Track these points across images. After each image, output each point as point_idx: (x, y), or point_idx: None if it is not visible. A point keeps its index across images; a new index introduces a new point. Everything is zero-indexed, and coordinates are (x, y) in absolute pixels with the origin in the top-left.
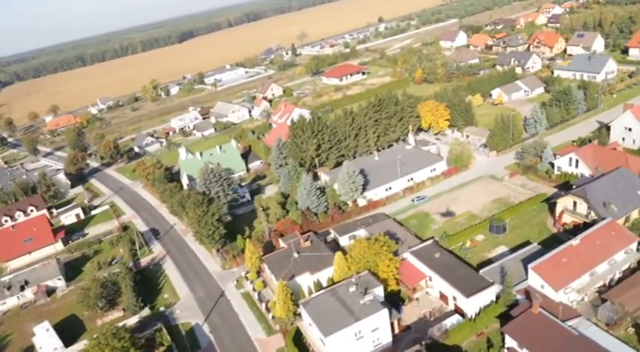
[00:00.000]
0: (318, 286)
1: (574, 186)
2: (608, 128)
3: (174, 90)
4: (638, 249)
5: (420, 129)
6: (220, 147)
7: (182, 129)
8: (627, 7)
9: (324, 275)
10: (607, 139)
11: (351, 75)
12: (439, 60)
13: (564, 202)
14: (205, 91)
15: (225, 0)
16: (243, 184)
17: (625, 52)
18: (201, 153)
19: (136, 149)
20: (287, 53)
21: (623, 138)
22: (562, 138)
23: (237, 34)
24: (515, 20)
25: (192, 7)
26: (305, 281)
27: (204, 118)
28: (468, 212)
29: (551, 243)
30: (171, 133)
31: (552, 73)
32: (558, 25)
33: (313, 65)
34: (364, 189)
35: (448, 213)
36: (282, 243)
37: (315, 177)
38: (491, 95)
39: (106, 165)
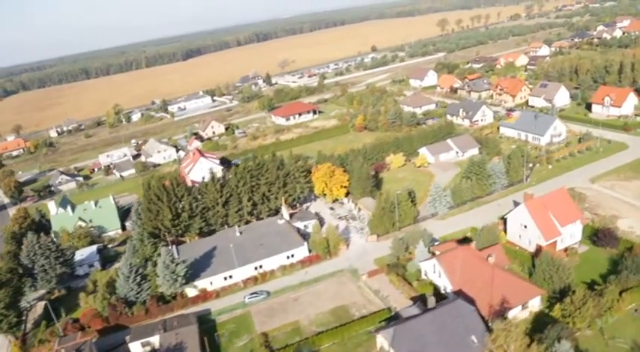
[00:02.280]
0: None
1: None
2: (505, 221)
3: (135, 116)
4: None
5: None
6: (96, 203)
7: (108, 166)
8: (612, 53)
9: None
10: (494, 238)
11: (300, 114)
12: (385, 105)
13: (379, 341)
14: (165, 120)
15: (249, 17)
16: (111, 245)
17: (590, 107)
18: (73, 208)
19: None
20: (263, 82)
21: (520, 236)
22: (462, 224)
23: (240, 54)
24: (497, 59)
25: (217, 23)
26: None
27: (136, 155)
28: (295, 322)
29: None
30: (96, 170)
31: (498, 129)
32: (535, 67)
33: (267, 100)
34: (197, 275)
35: (271, 321)
36: (55, 347)
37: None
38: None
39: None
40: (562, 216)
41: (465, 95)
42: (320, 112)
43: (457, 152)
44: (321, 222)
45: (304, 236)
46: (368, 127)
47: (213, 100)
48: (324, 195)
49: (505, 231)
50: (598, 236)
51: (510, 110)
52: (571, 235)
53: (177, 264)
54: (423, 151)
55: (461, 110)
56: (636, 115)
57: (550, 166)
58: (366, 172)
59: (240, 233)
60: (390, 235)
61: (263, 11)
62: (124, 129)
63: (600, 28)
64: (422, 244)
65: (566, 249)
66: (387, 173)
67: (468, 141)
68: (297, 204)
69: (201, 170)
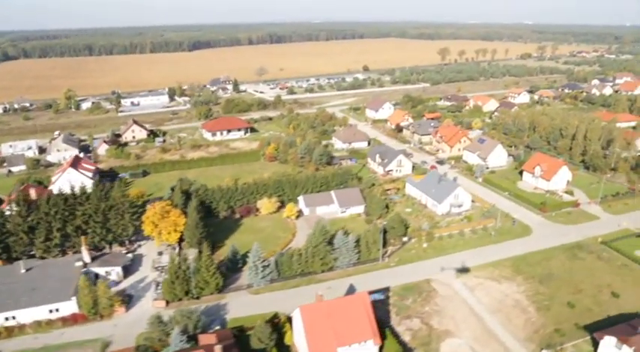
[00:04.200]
0: None
1: None
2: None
3: (85, 105)
4: None
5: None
6: None
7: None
8: (592, 111)
9: None
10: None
11: (229, 131)
12: (318, 135)
13: None
14: (110, 114)
15: (282, 16)
16: None
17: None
18: None
19: None
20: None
21: (299, 344)
22: (273, 305)
23: (244, 53)
24: (468, 100)
25: (249, 17)
26: None
27: (44, 150)
28: None
29: None
30: None
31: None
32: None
33: (205, 110)
34: None
35: None
36: None
37: None
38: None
39: None
40: (346, 332)
41: (408, 136)
42: (253, 131)
43: (339, 207)
44: (133, 269)
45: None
46: (279, 158)
47: (172, 99)
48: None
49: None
50: None
51: (440, 162)
52: None
53: None
54: (300, 200)
55: (377, 155)
56: (566, 193)
57: (425, 245)
58: (194, 218)
59: (27, 270)
60: (184, 304)
61: (298, 11)
62: (65, 117)
63: (594, 82)
64: (177, 331)
65: None
66: (251, 219)
67: (353, 196)
68: (127, 242)
69: (69, 181)
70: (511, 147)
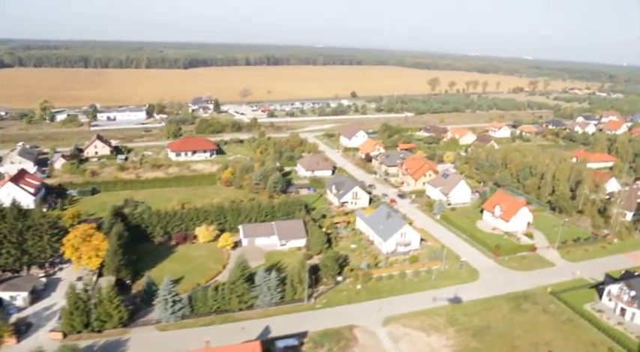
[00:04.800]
0: None
1: None
2: None
3: (60, 117)
4: None
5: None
6: None
7: None
8: (571, 148)
9: None
10: None
11: (194, 152)
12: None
13: None
14: (84, 127)
15: (283, 39)
16: None
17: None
18: None
19: None
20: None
21: None
22: (179, 344)
23: (236, 73)
24: (447, 131)
25: (251, 38)
26: None
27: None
28: None
29: None
30: None
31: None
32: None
33: (175, 129)
34: None
35: None
36: None
37: None
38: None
39: None
40: None
41: (376, 166)
42: (221, 153)
43: (278, 240)
44: (45, 294)
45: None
46: (235, 183)
47: (150, 116)
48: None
49: None
50: None
51: (401, 196)
52: None
53: None
54: (240, 229)
55: (333, 186)
56: (526, 235)
57: (359, 286)
58: (114, 243)
59: None
60: (83, 337)
61: (301, 35)
62: (37, 128)
63: (579, 119)
64: None
65: None
66: (186, 246)
67: (295, 228)
68: (47, 265)
69: (8, 195)
70: (480, 183)
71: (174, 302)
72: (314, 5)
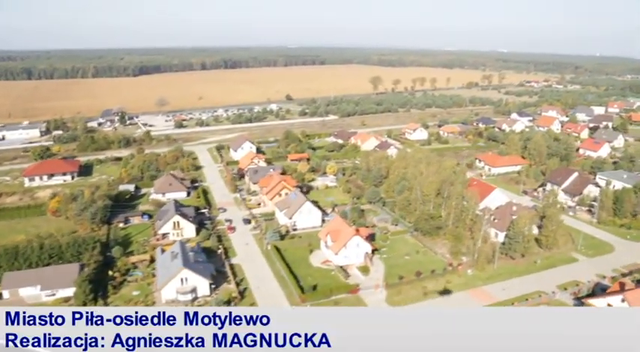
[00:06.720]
0: None
1: None
2: None
3: None
4: None
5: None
6: None
7: None
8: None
9: None
10: None
11: (51, 176)
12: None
13: None
14: None
15: (257, 41)
16: None
17: None
18: None
19: None
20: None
21: None
22: None
23: (185, 78)
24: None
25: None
26: None
27: None
28: None
29: None
30: None
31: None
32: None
33: (41, 150)
34: None
35: None
36: None
37: None
38: None
39: None
40: None
41: (246, 183)
42: (87, 175)
43: (42, 290)
44: None
45: None
46: (62, 214)
47: (48, 133)
48: None
49: None
50: None
51: (247, 221)
52: None
53: None
54: (4, 277)
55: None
56: (360, 270)
57: None
58: None
59: None
60: None
61: (271, 37)
62: None
63: (514, 115)
64: None
65: None
66: None
67: (67, 274)
68: None
69: None
70: (354, 199)
71: None
72: (288, 4)
